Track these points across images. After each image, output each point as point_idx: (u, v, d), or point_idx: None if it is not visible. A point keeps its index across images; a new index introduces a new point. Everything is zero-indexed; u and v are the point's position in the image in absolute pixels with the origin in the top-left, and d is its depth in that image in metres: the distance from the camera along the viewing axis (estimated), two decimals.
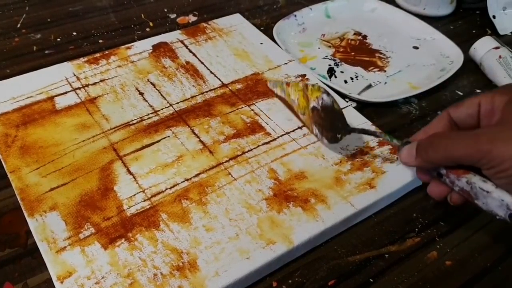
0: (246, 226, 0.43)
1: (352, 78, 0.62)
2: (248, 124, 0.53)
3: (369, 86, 0.61)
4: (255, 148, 0.50)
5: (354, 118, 0.54)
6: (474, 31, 0.73)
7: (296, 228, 0.43)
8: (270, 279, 0.42)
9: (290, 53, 0.63)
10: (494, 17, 0.73)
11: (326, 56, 0.66)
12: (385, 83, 0.62)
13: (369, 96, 0.59)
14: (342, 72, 0.63)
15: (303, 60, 0.65)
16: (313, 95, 0.49)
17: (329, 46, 0.68)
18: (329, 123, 0.48)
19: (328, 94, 0.49)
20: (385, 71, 0.64)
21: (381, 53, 0.67)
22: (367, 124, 0.53)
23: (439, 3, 0.75)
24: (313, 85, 0.51)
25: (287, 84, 0.53)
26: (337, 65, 0.64)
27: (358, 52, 0.67)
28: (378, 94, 0.60)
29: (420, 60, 0.66)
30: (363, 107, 0.58)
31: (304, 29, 0.70)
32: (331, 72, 0.63)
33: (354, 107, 0.56)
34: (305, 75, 0.60)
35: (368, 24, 0.72)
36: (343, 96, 0.58)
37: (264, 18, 0.73)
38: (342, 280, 0.42)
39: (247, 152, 0.50)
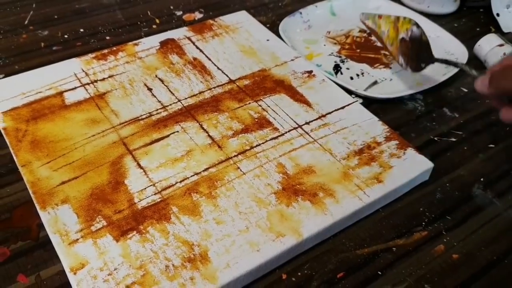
0: (255, 219, 0.43)
1: (358, 75, 0.63)
2: (256, 120, 0.53)
3: (375, 83, 0.62)
4: (263, 143, 0.51)
5: (361, 114, 0.55)
6: (478, 29, 0.74)
7: (305, 222, 0.43)
8: (280, 271, 0.42)
9: (296, 49, 0.64)
10: (498, 15, 0.73)
11: (332, 53, 0.66)
12: (391, 79, 0.62)
13: (375, 93, 0.60)
14: (348, 68, 0.64)
15: (309, 57, 0.65)
16: (403, 27, 0.53)
17: (335, 43, 0.68)
18: (415, 54, 0.52)
19: (418, 26, 0.52)
20: (390, 68, 0.64)
21: (387, 50, 0.67)
22: (374, 120, 0.54)
23: (443, 1, 0.75)
24: (404, 18, 0.53)
25: (379, 16, 0.56)
26: (343, 61, 0.65)
27: (364, 49, 0.68)
28: (384, 90, 0.61)
29: None
30: (370, 103, 0.58)
31: (310, 26, 0.71)
32: (337, 68, 0.64)
33: (361, 103, 0.57)
34: (311, 71, 0.60)
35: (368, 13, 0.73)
36: (349, 92, 0.58)
37: (270, 15, 0.74)
38: (351, 272, 0.43)
39: (255, 147, 0.50)
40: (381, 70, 0.64)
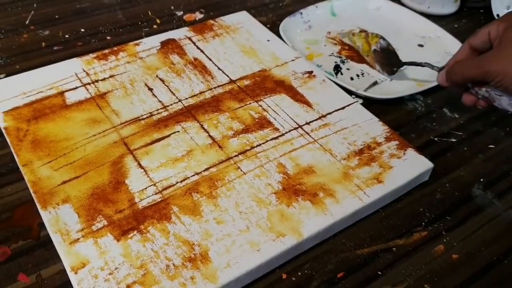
0: (256, 219, 0.44)
1: (358, 75, 0.63)
2: (257, 120, 0.53)
3: (375, 83, 0.62)
4: (263, 143, 0.51)
5: (361, 114, 0.55)
6: (478, 30, 0.74)
7: (305, 221, 0.44)
8: (280, 271, 0.43)
9: (296, 50, 0.64)
10: (498, 16, 0.73)
11: (332, 54, 0.67)
12: (391, 80, 0.63)
13: (376, 93, 0.60)
14: (348, 69, 0.64)
15: (309, 57, 0.65)
16: (373, 41, 0.63)
17: (335, 44, 0.68)
18: (387, 61, 0.62)
19: (384, 39, 0.63)
20: None
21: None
22: (373, 120, 0.54)
23: (443, 2, 0.75)
24: (372, 33, 0.64)
25: (353, 34, 0.67)
26: (343, 62, 0.65)
27: None
28: (384, 91, 0.61)
29: (425, 57, 0.66)
30: (370, 104, 0.58)
31: (310, 26, 0.71)
32: (337, 69, 0.64)
33: (361, 104, 0.57)
34: (312, 71, 0.60)
35: (373, 22, 0.73)
36: (350, 92, 0.59)
37: (270, 16, 0.74)
38: (351, 272, 0.43)
39: (256, 147, 0.50)
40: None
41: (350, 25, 0.72)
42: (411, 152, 0.50)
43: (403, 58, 0.63)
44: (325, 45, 0.68)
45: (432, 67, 0.57)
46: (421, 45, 0.69)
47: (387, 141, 0.52)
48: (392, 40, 0.69)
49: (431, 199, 0.49)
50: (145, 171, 0.47)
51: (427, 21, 0.72)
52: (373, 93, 0.59)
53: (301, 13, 0.71)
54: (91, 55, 0.60)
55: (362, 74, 0.63)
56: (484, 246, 0.45)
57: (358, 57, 0.66)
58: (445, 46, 0.68)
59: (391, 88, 0.61)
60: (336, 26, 0.72)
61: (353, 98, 0.58)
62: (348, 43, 0.67)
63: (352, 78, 0.63)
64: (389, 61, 0.62)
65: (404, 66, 0.62)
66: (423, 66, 0.59)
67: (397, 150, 0.51)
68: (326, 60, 0.65)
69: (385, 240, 0.45)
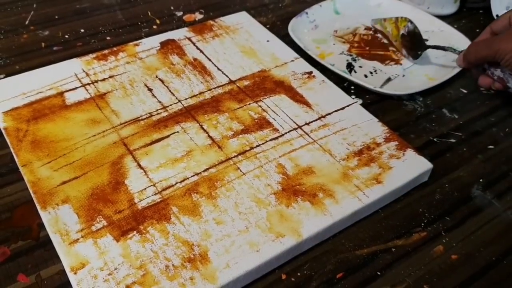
0: (255, 219, 0.44)
1: (371, 72, 0.63)
2: (256, 120, 0.53)
3: (389, 80, 0.62)
4: (263, 143, 0.51)
5: (360, 115, 0.55)
6: (477, 30, 0.74)
7: (304, 222, 0.44)
8: (279, 271, 0.43)
9: (309, 50, 0.64)
10: (497, 16, 0.73)
11: (343, 52, 0.67)
12: (403, 76, 0.63)
13: (390, 89, 0.61)
14: (360, 66, 0.64)
15: (321, 56, 0.65)
16: (402, 25, 0.65)
17: (344, 42, 0.69)
18: (412, 45, 0.64)
19: (412, 22, 0.65)
20: (401, 64, 0.65)
21: (394, 47, 0.68)
22: (373, 121, 0.54)
23: (443, 2, 0.76)
24: (401, 17, 0.66)
25: (384, 20, 0.69)
26: (354, 60, 0.65)
27: (372, 46, 0.68)
28: (399, 87, 0.61)
29: (431, 52, 0.67)
30: (370, 104, 0.59)
31: (316, 26, 0.71)
32: (350, 67, 0.64)
33: (360, 104, 0.57)
34: (311, 72, 0.60)
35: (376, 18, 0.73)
36: (366, 90, 0.60)
37: (270, 16, 0.74)
38: (350, 273, 0.43)
39: (255, 147, 0.50)
40: (392, 66, 0.65)
41: (354, 23, 0.72)
42: (410, 153, 0.51)
43: None
44: (334, 44, 0.68)
45: (454, 50, 0.60)
46: (426, 40, 0.69)
47: (386, 142, 0.52)
48: None
49: (431, 199, 0.49)
50: (144, 171, 0.47)
51: (428, 15, 0.72)
52: (389, 90, 0.60)
53: (307, 13, 0.71)
54: (91, 56, 0.60)
55: (375, 71, 0.64)
56: (484, 247, 0.45)
57: (368, 54, 0.66)
58: (449, 39, 0.69)
59: (404, 84, 0.62)
60: (341, 24, 0.72)
61: (353, 98, 0.58)
62: (380, 29, 0.70)
63: (366, 76, 0.63)
64: (415, 45, 0.64)
65: (422, 54, 0.65)
66: (445, 50, 0.62)
67: (396, 151, 0.51)
68: (338, 59, 0.66)
69: (385, 241, 0.45)
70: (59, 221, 0.42)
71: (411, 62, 0.65)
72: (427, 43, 0.69)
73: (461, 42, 0.68)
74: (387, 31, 0.68)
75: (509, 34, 0.51)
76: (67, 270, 0.39)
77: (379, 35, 0.70)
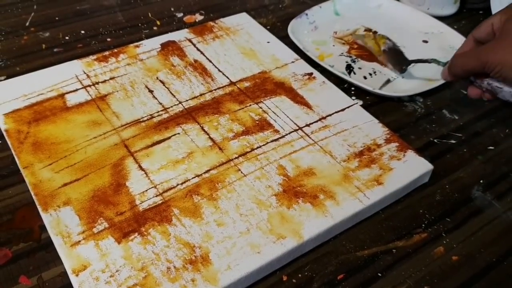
0: (256, 221, 0.44)
1: (370, 74, 0.64)
2: (257, 122, 0.53)
3: (388, 81, 0.62)
4: (264, 145, 0.51)
5: (361, 116, 0.55)
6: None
7: (305, 224, 0.44)
8: (280, 273, 0.43)
9: (308, 51, 0.64)
10: None
11: (342, 53, 0.67)
12: (403, 77, 0.63)
13: (390, 91, 0.61)
14: (360, 68, 0.64)
15: (320, 58, 0.65)
16: (381, 42, 0.66)
17: (343, 43, 0.69)
18: (396, 60, 0.64)
19: (390, 40, 0.66)
20: None
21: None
22: (373, 122, 0.54)
23: (443, 3, 0.76)
24: (379, 35, 0.67)
25: (363, 35, 0.69)
26: (354, 61, 0.66)
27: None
28: (398, 88, 0.62)
29: (430, 53, 0.67)
30: (370, 105, 0.59)
31: (316, 27, 0.71)
32: (349, 68, 0.64)
33: (360, 105, 0.57)
34: (312, 73, 0.60)
35: (376, 20, 0.73)
36: (366, 91, 0.60)
37: (270, 17, 0.74)
38: (351, 274, 0.43)
39: (256, 149, 0.50)
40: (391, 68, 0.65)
41: (354, 24, 0.72)
42: (411, 154, 0.51)
43: (410, 55, 0.65)
44: (333, 45, 0.68)
45: (438, 62, 0.59)
46: (425, 41, 0.69)
47: (387, 143, 0.52)
48: (397, 37, 0.70)
49: (431, 200, 0.49)
50: (145, 173, 0.47)
51: (428, 16, 0.72)
52: (388, 91, 0.60)
53: (307, 14, 0.71)
54: (92, 57, 0.61)
55: (374, 72, 0.64)
56: (484, 248, 0.45)
57: (368, 56, 0.67)
58: (449, 41, 0.69)
59: (404, 85, 0.62)
60: (341, 26, 0.72)
61: (353, 99, 0.58)
62: (362, 44, 0.69)
63: (365, 77, 0.63)
64: (398, 60, 0.64)
65: (413, 64, 0.64)
66: (429, 62, 0.60)
67: (397, 152, 0.51)
68: (337, 60, 0.66)
69: (385, 242, 0.45)
70: (61, 223, 0.42)
71: (398, 75, 0.64)
72: (427, 44, 0.70)
73: (461, 43, 0.67)
74: (369, 46, 0.67)
75: (496, 43, 0.47)
76: (69, 272, 0.39)
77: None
